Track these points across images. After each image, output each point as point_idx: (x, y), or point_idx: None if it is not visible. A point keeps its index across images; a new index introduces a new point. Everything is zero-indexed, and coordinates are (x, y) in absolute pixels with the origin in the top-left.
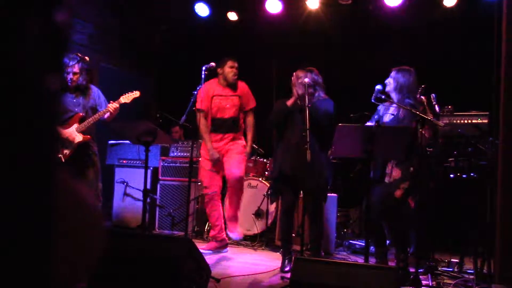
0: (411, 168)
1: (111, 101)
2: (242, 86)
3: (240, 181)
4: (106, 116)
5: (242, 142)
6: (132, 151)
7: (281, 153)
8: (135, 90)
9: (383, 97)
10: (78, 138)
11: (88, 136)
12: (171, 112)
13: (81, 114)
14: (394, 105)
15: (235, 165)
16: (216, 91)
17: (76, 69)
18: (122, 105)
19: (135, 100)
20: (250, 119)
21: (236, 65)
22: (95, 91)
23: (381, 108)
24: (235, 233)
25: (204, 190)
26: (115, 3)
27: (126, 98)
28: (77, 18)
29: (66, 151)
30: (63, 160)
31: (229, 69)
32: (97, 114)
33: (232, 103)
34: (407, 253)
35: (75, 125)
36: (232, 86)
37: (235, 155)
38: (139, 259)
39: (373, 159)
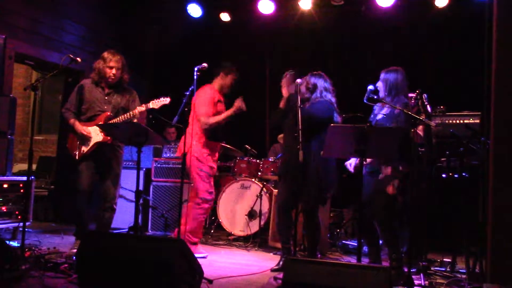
0: (400, 167)
1: (143, 104)
2: None
3: None
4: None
5: None
6: (125, 152)
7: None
8: (167, 97)
9: (375, 97)
10: (98, 138)
11: (108, 138)
12: (165, 112)
13: (108, 113)
14: (387, 105)
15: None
16: (220, 97)
17: (119, 64)
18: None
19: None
20: None
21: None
22: (133, 93)
23: (376, 108)
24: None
25: (209, 196)
26: (107, 4)
27: (155, 104)
28: (69, 19)
29: (84, 149)
30: (77, 158)
31: (232, 81)
32: (122, 117)
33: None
34: (399, 252)
35: (100, 123)
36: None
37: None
38: (132, 261)
39: (365, 160)
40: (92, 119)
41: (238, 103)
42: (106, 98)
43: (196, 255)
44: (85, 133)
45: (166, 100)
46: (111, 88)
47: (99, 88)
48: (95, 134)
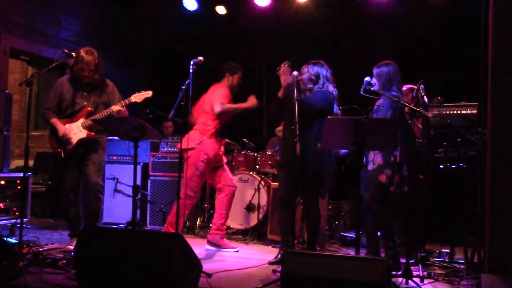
0: (391, 158)
1: (122, 101)
2: None
3: (235, 188)
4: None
5: None
6: (122, 147)
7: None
8: (148, 90)
9: (372, 88)
10: (82, 134)
11: (93, 134)
12: (162, 107)
13: (89, 108)
14: (383, 97)
15: (231, 176)
16: (231, 97)
17: (92, 66)
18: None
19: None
20: None
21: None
22: (110, 87)
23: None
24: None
25: (194, 194)
26: None
27: (137, 97)
28: (64, 14)
29: (68, 146)
30: (63, 155)
31: (238, 80)
32: (104, 111)
33: None
34: (394, 240)
35: (81, 120)
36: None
37: (226, 166)
38: (130, 256)
39: (363, 152)
40: (72, 115)
41: (253, 100)
42: (85, 94)
43: (227, 250)
44: (66, 137)
45: (148, 93)
46: (88, 85)
47: (77, 85)
48: (78, 131)
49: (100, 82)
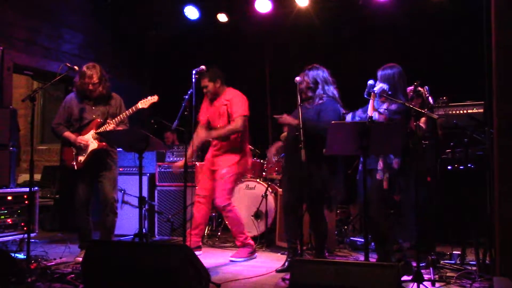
0: (387, 161)
1: (127, 111)
2: (231, 94)
3: (223, 209)
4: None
5: (232, 158)
6: (128, 158)
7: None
8: (154, 95)
9: (375, 91)
10: (93, 145)
11: (104, 144)
12: (166, 116)
13: (99, 120)
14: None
15: (218, 193)
16: (208, 103)
17: (95, 79)
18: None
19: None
20: (232, 122)
21: (203, 84)
22: (117, 99)
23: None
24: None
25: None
26: (104, 12)
27: (144, 103)
28: (67, 28)
29: (81, 158)
30: (76, 168)
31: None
32: (109, 121)
33: (220, 112)
34: (399, 244)
35: (92, 131)
36: (218, 96)
37: (219, 180)
38: (137, 269)
39: (368, 156)
40: (82, 128)
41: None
42: (93, 108)
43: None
44: (83, 142)
45: (154, 98)
46: (95, 99)
47: (85, 100)
48: (90, 142)
49: (107, 95)
